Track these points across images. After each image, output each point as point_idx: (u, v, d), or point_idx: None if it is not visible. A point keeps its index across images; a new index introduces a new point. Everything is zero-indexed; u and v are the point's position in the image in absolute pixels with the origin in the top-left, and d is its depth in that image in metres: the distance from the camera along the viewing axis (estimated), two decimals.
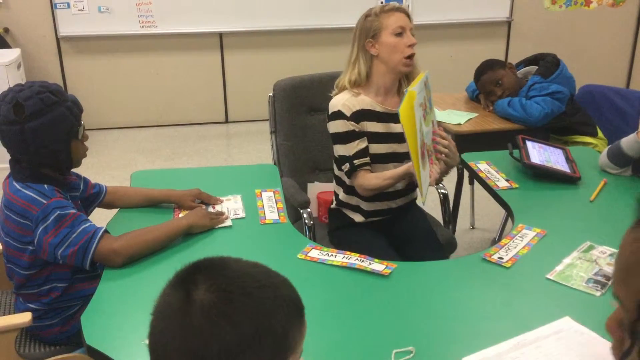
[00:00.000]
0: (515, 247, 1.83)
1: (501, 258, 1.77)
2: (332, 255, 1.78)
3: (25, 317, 1.67)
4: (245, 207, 2.09)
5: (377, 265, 1.72)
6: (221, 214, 2.02)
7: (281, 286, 0.90)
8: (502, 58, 5.66)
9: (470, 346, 1.38)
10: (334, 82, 2.22)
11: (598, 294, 1.59)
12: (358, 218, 2.27)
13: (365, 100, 2.14)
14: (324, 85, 2.51)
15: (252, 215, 2.05)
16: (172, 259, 1.78)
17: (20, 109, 1.68)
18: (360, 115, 2.13)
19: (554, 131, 3.05)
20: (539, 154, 2.37)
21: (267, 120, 2.72)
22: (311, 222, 2.29)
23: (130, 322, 1.50)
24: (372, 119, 2.14)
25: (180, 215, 2.02)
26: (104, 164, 4.61)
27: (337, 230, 2.34)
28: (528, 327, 1.44)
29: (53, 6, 4.94)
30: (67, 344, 1.88)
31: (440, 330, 1.48)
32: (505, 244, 1.85)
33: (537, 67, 3.15)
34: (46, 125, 1.70)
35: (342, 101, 2.12)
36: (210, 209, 2.07)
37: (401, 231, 2.28)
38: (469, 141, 2.91)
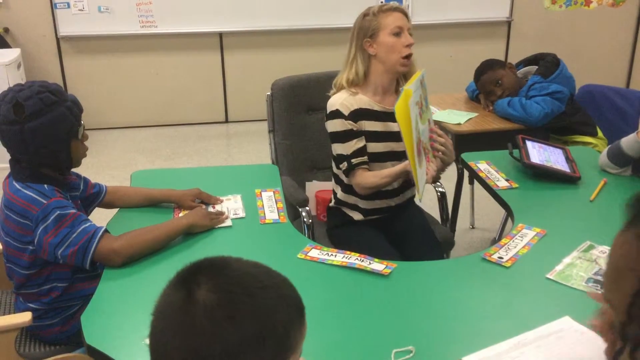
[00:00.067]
0: (515, 247, 1.83)
1: (501, 258, 1.77)
2: (332, 255, 1.79)
3: (25, 317, 1.67)
4: (245, 207, 2.09)
5: (377, 265, 1.72)
6: (221, 213, 2.02)
7: (282, 286, 0.91)
8: (502, 58, 5.66)
9: (470, 346, 1.38)
10: (332, 81, 2.23)
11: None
12: (357, 216, 2.28)
13: (363, 100, 2.15)
14: (322, 84, 2.52)
15: (252, 215, 2.05)
16: (172, 259, 1.78)
17: (20, 108, 1.68)
18: (358, 115, 2.13)
19: (553, 131, 3.05)
20: (539, 153, 2.37)
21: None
22: (310, 221, 2.30)
23: (130, 322, 1.50)
24: (370, 118, 2.15)
25: (180, 215, 2.02)
26: (104, 164, 4.61)
27: (336, 228, 2.35)
28: (528, 327, 1.44)
29: (53, 6, 4.94)
30: (67, 343, 1.88)
31: (440, 329, 1.48)
32: (505, 244, 1.85)
33: (537, 67, 3.15)
34: (46, 125, 1.70)
35: (340, 100, 2.13)
36: (210, 209, 2.07)
37: (399, 229, 2.28)
38: (469, 141, 2.91)
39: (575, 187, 2.26)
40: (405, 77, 2.15)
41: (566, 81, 3.03)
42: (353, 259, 1.76)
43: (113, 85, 5.31)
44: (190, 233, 1.90)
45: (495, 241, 2.88)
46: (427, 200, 2.62)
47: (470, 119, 3.06)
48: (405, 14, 2.12)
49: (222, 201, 2.13)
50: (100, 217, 2.06)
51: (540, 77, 3.02)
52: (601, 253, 1.77)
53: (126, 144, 5.10)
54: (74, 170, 1.93)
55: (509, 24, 5.73)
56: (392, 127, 2.15)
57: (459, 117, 3.07)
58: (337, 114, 2.13)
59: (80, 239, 1.71)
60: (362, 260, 1.75)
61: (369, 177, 2.13)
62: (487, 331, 1.45)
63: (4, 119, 1.69)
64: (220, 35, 5.31)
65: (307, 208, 2.33)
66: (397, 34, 2.07)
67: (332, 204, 2.37)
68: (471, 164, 2.46)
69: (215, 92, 5.50)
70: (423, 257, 2.13)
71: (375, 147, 2.16)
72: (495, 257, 1.78)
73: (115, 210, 2.10)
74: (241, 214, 2.05)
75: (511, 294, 1.62)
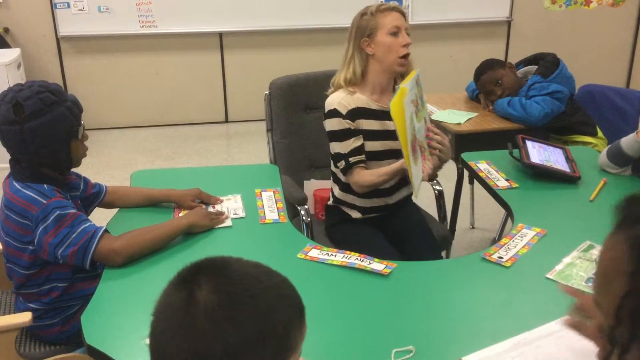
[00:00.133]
0: (515, 247, 1.83)
1: (501, 257, 1.77)
2: (332, 254, 1.79)
3: (25, 317, 1.68)
4: (245, 207, 2.09)
5: (377, 265, 1.72)
6: (221, 213, 2.02)
7: (282, 286, 0.91)
8: (502, 58, 5.66)
9: (470, 345, 1.38)
10: (330, 80, 2.24)
11: None
12: (355, 214, 2.30)
13: (360, 99, 2.16)
14: (320, 83, 2.54)
15: (252, 215, 2.05)
16: (172, 258, 1.78)
17: (20, 108, 1.68)
18: (356, 114, 2.15)
19: (553, 131, 3.05)
20: (539, 153, 2.37)
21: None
22: (309, 219, 2.31)
23: (130, 322, 1.50)
24: (368, 116, 2.16)
25: (180, 215, 2.02)
26: (104, 164, 4.61)
27: (335, 226, 2.36)
28: (528, 327, 1.44)
29: (53, 6, 4.94)
30: (67, 343, 1.89)
31: (440, 329, 1.48)
32: (505, 244, 1.85)
33: (536, 66, 3.15)
34: (46, 125, 1.70)
35: (337, 99, 2.15)
36: (210, 209, 2.07)
37: (397, 227, 2.30)
38: (468, 141, 2.91)
39: (575, 187, 2.26)
40: (403, 76, 2.16)
41: (566, 81, 3.03)
42: (353, 258, 1.76)
43: (113, 85, 5.31)
44: (190, 233, 1.90)
45: (495, 241, 2.88)
46: (425, 199, 2.62)
47: (470, 118, 3.06)
48: (403, 14, 2.13)
49: (222, 201, 2.13)
50: (100, 217, 2.06)
51: (540, 77, 3.02)
52: None
53: (126, 144, 5.11)
54: (74, 170, 1.93)
55: (509, 24, 5.73)
56: (390, 125, 2.15)
57: (459, 117, 3.07)
58: (334, 113, 2.14)
59: (80, 239, 1.71)
60: (362, 260, 1.75)
61: (367, 176, 2.14)
62: (487, 331, 1.45)
63: (3, 119, 1.69)
64: (220, 35, 5.31)
65: (306, 206, 2.34)
66: (395, 33, 2.09)
67: (330, 202, 2.38)
68: (471, 163, 2.47)
69: (215, 92, 5.50)
70: (421, 255, 2.15)
71: (373, 145, 2.18)
72: (495, 257, 1.78)
73: (115, 210, 2.10)
74: (241, 213, 2.05)
75: (511, 294, 1.62)
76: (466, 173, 2.95)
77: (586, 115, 3.09)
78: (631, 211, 0.77)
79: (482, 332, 1.46)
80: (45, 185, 1.74)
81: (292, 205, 2.37)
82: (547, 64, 3.08)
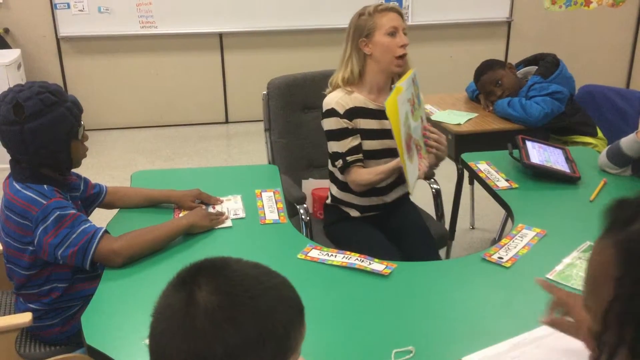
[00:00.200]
0: (515, 247, 1.83)
1: (501, 258, 1.77)
2: (332, 255, 1.79)
3: (25, 317, 1.68)
4: (245, 207, 2.09)
5: (377, 265, 1.72)
6: (221, 214, 2.02)
7: (282, 287, 0.91)
8: (502, 58, 5.66)
9: (470, 346, 1.38)
10: (327, 80, 2.26)
11: None
12: (353, 213, 2.31)
13: (358, 98, 2.17)
14: (317, 83, 2.56)
15: (252, 216, 2.05)
16: (172, 259, 1.78)
17: (20, 109, 1.68)
18: (354, 113, 2.16)
19: (553, 131, 3.05)
20: (539, 154, 2.37)
21: None
22: (308, 218, 2.32)
23: (130, 322, 1.50)
24: (366, 116, 2.18)
25: (180, 215, 2.02)
26: (104, 164, 4.61)
27: (333, 225, 2.37)
28: (528, 327, 1.44)
29: (53, 6, 4.94)
30: (68, 344, 1.89)
31: (440, 330, 1.48)
32: (505, 244, 1.85)
33: (536, 67, 3.15)
34: (46, 125, 1.70)
35: (335, 99, 2.16)
36: (211, 209, 2.07)
37: (395, 225, 2.31)
38: (468, 141, 2.91)
39: (575, 187, 2.26)
40: (400, 76, 2.18)
41: (566, 81, 3.03)
42: (353, 259, 1.76)
43: (113, 86, 5.32)
44: (190, 233, 1.90)
45: (495, 241, 2.88)
46: (423, 198, 2.64)
47: (470, 119, 3.06)
48: (401, 14, 2.15)
49: (222, 202, 2.13)
50: (100, 217, 2.06)
51: (540, 78, 3.02)
52: None
53: (126, 144, 5.11)
54: (74, 170, 1.93)
55: (509, 24, 5.74)
56: (388, 124, 2.16)
57: (459, 118, 3.07)
58: (332, 113, 2.16)
59: (80, 239, 1.71)
60: (362, 261, 1.75)
61: (364, 174, 2.16)
62: (487, 331, 1.45)
63: (3, 119, 1.69)
64: (220, 35, 5.31)
65: (305, 205, 2.35)
66: (392, 34, 2.10)
67: (328, 201, 2.40)
68: (471, 164, 2.47)
69: (215, 92, 5.50)
70: (418, 253, 2.17)
71: (371, 144, 2.19)
72: (495, 257, 1.78)
73: (115, 211, 2.10)
74: (241, 214, 2.05)
75: (511, 294, 1.62)
76: (466, 173, 2.95)
77: (586, 116, 3.09)
78: (620, 215, 0.77)
79: (482, 332, 1.46)
80: (45, 186, 1.74)
81: (291, 204, 2.37)
82: (547, 64, 3.08)
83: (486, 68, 3.16)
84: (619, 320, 0.72)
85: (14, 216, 1.73)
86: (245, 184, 2.27)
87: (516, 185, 2.27)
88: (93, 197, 2.05)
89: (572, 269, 1.70)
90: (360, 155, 2.17)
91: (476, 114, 3.13)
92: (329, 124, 2.18)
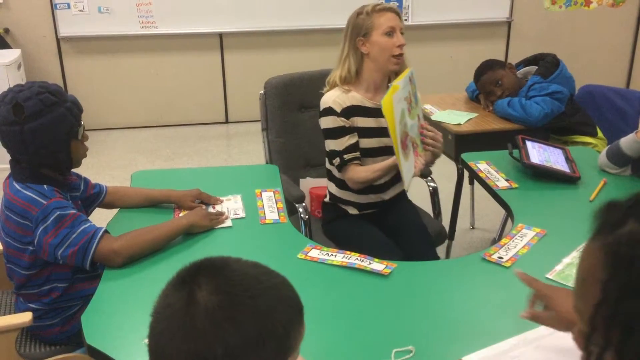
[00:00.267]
0: (515, 247, 1.83)
1: (501, 258, 1.77)
2: (332, 255, 1.79)
3: (25, 317, 1.68)
4: (245, 207, 2.10)
5: (377, 265, 1.72)
6: (221, 214, 2.02)
7: (282, 287, 0.91)
8: (502, 58, 5.66)
9: (469, 345, 1.39)
10: (324, 79, 2.28)
11: None
12: (352, 210, 2.33)
13: (355, 97, 2.19)
14: (314, 82, 2.57)
15: (252, 215, 2.05)
16: (172, 259, 1.78)
17: (20, 109, 1.68)
18: (351, 111, 2.18)
19: (553, 131, 3.05)
20: (539, 154, 2.37)
21: None
22: (307, 217, 2.33)
23: (130, 322, 1.50)
24: (363, 114, 2.20)
25: (180, 215, 2.02)
26: (104, 164, 4.61)
27: (331, 222, 2.38)
28: (528, 327, 1.44)
29: (53, 6, 4.94)
30: (68, 343, 1.89)
31: (440, 329, 1.48)
32: (505, 244, 1.85)
33: (536, 67, 3.15)
34: (45, 125, 1.70)
35: (332, 98, 2.18)
36: (210, 209, 2.07)
37: (392, 223, 2.33)
38: (468, 141, 2.91)
39: (575, 187, 2.26)
40: (397, 74, 2.19)
41: (566, 81, 3.03)
42: (353, 259, 1.76)
43: (113, 86, 5.32)
44: (190, 233, 1.90)
45: (495, 241, 2.88)
46: (420, 196, 2.66)
47: (470, 119, 3.06)
48: (398, 15, 2.17)
49: (222, 201, 2.13)
50: (100, 217, 2.06)
51: (540, 78, 3.02)
52: None
53: (126, 144, 5.11)
54: (74, 170, 1.93)
55: (509, 24, 5.74)
56: (384, 122, 2.17)
57: (459, 117, 3.07)
58: (329, 111, 2.18)
59: (80, 239, 1.71)
60: (362, 260, 1.75)
61: (361, 172, 2.18)
62: (487, 331, 1.45)
63: (3, 119, 1.69)
64: (220, 35, 5.31)
65: (304, 204, 2.37)
66: (390, 33, 2.12)
67: (326, 199, 2.42)
68: (471, 164, 2.47)
69: (215, 92, 5.50)
70: (416, 250, 2.19)
71: (368, 142, 2.21)
72: (495, 257, 1.78)
73: (115, 211, 2.10)
74: (241, 214, 2.05)
75: (511, 294, 1.62)
76: (466, 173, 2.95)
77: (586, 116, 3.09)
78: (609, 218, 0.77)
79: (482, 332, 1.46)
80: (45, 186, 1.74)
81: (289, 203, 2.38)
82: (547, 64, 3.08)
83: (486, 68, 3.16)
84: (605, 322, 0.73)
85: (14, 216, 1.73)
86: (245, 183, 2.27)
87: (516, 185, 2.27)
88: (93, 197, 2.05)
89: (572, 269, 1.70)
90: (357, 153, 2.19)
91: (476, 114, 3.13)
92: (326, 122, 2.20)
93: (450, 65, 5.69)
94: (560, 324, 1.21)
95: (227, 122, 5.61)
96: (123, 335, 1.45)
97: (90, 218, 1.82)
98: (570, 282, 1.64)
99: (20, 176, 1.75)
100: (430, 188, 2.65)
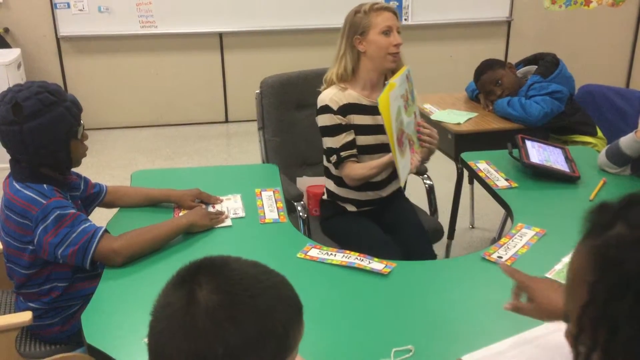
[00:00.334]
0: (514, 246, 1.83)
1: (500, 257, 1.77)
2: (331, 254, 1.79)
3: (25, 316, 1.68)
4: (245, 207, 2.10)
5: (377, 264, 1.72)
6: (221, 213, 2.02)
7: (281, 286, 0.91)
8: (502, 58, 5.66)
9: (469, 345, 1.39)
10: (320, 78, 2.29)
11: None
12: (350, 208, 2.35)
13: (352, 95, 2.21)
14: (310, 81, 2.59)
15: (251, 215, 2.05)
16: (172, 258, 1.78)
17: (19, 109, 1.68)
18: (347, 109, 2.20)
19: (553, 131, 3.05)
20: (539, 153, 2.37)
21: None
22: (305, 215, 2.34)
23: (130, 321, 1.50)
24: (359, 112, 2.21)
25: (180, 214, 2.02)
26: (104, 164, 4.62)
27: (329, 219, 2.40)
28: (527, 326, 1.44)
29: (53, 6, 4.94)
30: (68, 343, 1.89)
31: (440, 329, 1.48)
32: (505, 243, 1.85)
33: (536, 66, 3.15)
34: (45, 125, 1.70)
35: (329, 96, 2.20)
36: (210, 209, 2.07)
37: (390, 219, 2.35)
38: (468, 141, 2.91)
39: (575, 186, 2.27)
40: (393, 72, 2.21)
41: (565, 81, 3.03)
42: (352, 258, 1.76)
43: (113, 85, 5.32)
44: (190, 233, 1.90)
45: (494, 241, 2.88)
46: (416, 194, 2.68)
47: (470, 118, 3.07)
48: (395, 14, 2.19)
49: (222, 201, 2.13)
50: (100, 217, 2.06)
51: (539, 77, 3.02)
52: None
53: (126, 143, 5.11)
54: (74, 170, 1.93)
55: (508, 24, 5.73)
56: (381, 120, 2.19)
57: (458, 117, 3.07)
58: (326, 109, 2.19)
59: (80, 238, 1.71)
60: (362, 260, 1.75)
61: (358, 169, 2.20)
62: (487, 330, 1.46)
63: (3, 119, 1.69)
64: (220, 35, 5.31)
65: (302, 202, 2.38)
66: (387, 33, 2.14)
67: (325, 197, 2.43)
68: (471, 163, 2.47)
69: (215, 92, 5.50)
70: (413, 246, 2.21)
71: (365, 139, 2.23)
72: (494, 256, 1.78)
73: (115, 210, 2.10)
74: (241, 213, 2.06)
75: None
76: (466, 173, 2.95)
77: (586, 115, 3.09)
78: (599, 220, 0.78)
79: (481, 331, 1.46)
80: (45, 186, 1.74)
81: (287, 201, 2.39)
82: (546, 64, 3.08)
83: (486, 68, 3.16)
84: (592, 323, 0.73)
85: (14, 215, 1.73)
86: (245, 183, 2.27)
87: (516, 185, 2.27)
88: (93, 196, 2.05)
89: None
90: (354, 151, 2.21)
91: (476, 114, 3.13)
92: (323, 120, 2.21)
93: (450, 64, 5.69)
94: (541, 314, 1.23)
95: (227, 121, 5.61)
96: (123, 334, 1.46)
97: (90, 217, 1.82)
98: None
99: (20, 176, 1.75)
100: (427, 186, 2.67)
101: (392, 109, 1.90)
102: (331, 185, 2.36)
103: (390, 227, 2.31)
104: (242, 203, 2.12)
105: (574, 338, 0.77)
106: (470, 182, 3.50)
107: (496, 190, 2.24)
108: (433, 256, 2.24)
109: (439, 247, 2.70)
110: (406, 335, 1.43)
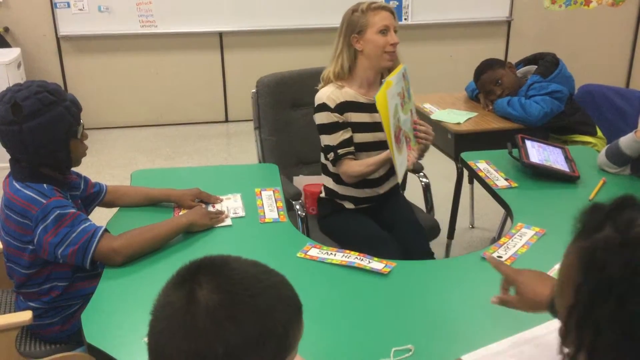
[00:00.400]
0: (514, 246, 1.84)
1: (500, 257, 1.77)
2: (331, 254, 1.79)
3: (25, 316, 1.68)
4: (245, 206, 2.10)
5: (376, 264, 1.72)
6: (221, 212, 2.02)
7: (281, 286, 0.91)
8: (502, 58, 5.66)
9: (468, 344, 1.39)
10: (316, 77, 2.31)
11: None
12: (348, 205, 2.36)
13: (349, 93, 2.23)
14: (306, 80, 2.60)
15: (251, 214, 2.05)
16: (172, 258, 1.78)
17: (18, 109, 1.68)
18: (345, 107, 2.21)
19: (553, 130, 3.05)
20: (538, 153, 2.38)
21: None
22: (304, 214, 2.35)
23: (130, 321, 1.50)
24: (357, 109, 2.23)
25: (180, 214, 2.02)
26: (104, 163, 4.62)
27: (327, 217, 2.41)
28: (527, 326, 1.44)
29: (53, 5, 4.94)
30: (68, 342, 1.89)
31: (439, 328, 1.49)
32: (505, 243, 1.86)
33: (536, 66, 3.15)
34: (44, 125, 1.70)
35: (326, 94, 2.22)
36: (210, 208, 2.07)
37: (387, 216, 2.37)
38: (468, 140, 2.91)
39: (575, 186, 2.27)
40: (390, 71, 2.22)
41: (565, 81, 3.03)
42: (352, 258, 1.76)
43: (113, 85, 5.32)
44: (190, 232, 1.90)
45: (494, 240, 2.88)
46: (413, 192, 2.70)
47: (469, 118, 3.07)
48: (393, 13, 2.20)
49: (222, 200, 2.13)
50: (100, 216, 2.06)
51: (539, 77, 3.02)
52: None
53: (126, 143, 5.11)
54: (74, 169, 1.93)
55: (508, 23, 5.73)
56: (378, 117, 2.20)
57: (458, 117, 3.07)
58: (323, 107, 2.21)
59: (80, 238, 1.71)
60: (362, 259, 1.75)
61: (355, 166, 2.21)
62: (486, 330, 1.46)
63: (2, 119, 1.69)
64: (220, 35, 5.31)
65: (301, 201, 2.39)
66: (384, 32, 2.15)
67: (322, 195, 2.44)
68: (471, 163, 2.47)
69: (215, 91, 5.50)
70: (410, 243, 2.22)
71: (362, 137, 2.24)
72: (494, 256, 1.78)
73: (115, 210, 2.10)
74: (241, 213, 2.06)
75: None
76: (466, 173, 2.95)
77: (585, 115, 3.09)
78: (589, 221, 0.78)
79: (481, 331, 1.46)
80: (45, 185, 1.74)
81: (286, 200, 2.39)
82: (546, 63, 3.08)
83: (486, 67, 3.16)
84: (578, 325, 0.73)
85: (14, 215, 1.73)
86: (244, 182, 2.27)
87: (515, 185, 2.27)
88: (93, 196, 2.05)
89: None
90: (351, 148, 2.22)
91: (476, 113, 3.13)
92: (320, 118, 2.23)
93: (450, 64, 5.68)
94: (526, 306, 1.23)
95: (227, 121, 5.61)
96: (123, 334, 1.46)
97: (90, 217, 1.82)
98: None
99: (20, 175, 1.76)
100: (423, 183, 2.68)
101: (389, 107, 1.92)
102: (329, 182, 2.37)
103: (387, 224, 2.33)
104: (242, 202, 2.12)
105: (562, 338, 0.77)
106: (470, 182, 3.50)
107: (496, 190, 2.24)
108: (430, 253, 2.25)
109: (439, 247, 2.71)
110: (406, 335, 1.43)
